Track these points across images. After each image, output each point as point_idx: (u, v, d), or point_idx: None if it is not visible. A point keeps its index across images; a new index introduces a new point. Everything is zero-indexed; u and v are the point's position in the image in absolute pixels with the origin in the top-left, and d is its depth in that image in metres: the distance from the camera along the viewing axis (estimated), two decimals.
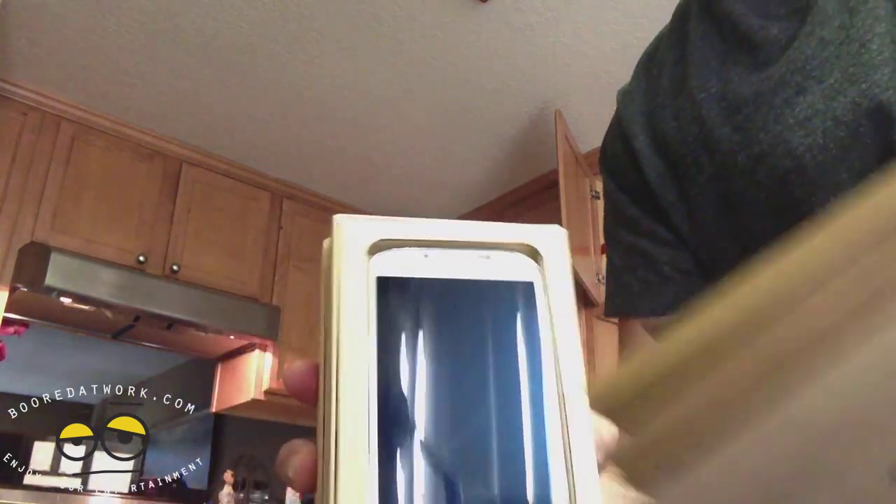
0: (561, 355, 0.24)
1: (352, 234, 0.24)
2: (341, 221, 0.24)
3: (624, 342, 0.59)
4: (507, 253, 0.25)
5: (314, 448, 0.23)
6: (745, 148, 0.48)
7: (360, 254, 0.23)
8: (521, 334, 0.24)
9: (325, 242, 0.25)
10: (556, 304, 0.24)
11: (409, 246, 0.24)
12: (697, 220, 0.52)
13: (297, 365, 0.24)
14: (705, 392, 0.20)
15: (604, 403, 0.23)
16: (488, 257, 0.24)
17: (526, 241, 0.25)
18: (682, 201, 0.53)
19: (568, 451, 0.22)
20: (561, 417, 0.23)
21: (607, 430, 0.24)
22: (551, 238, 0.25)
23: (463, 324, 0.24)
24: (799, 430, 0.17)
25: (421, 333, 0.23)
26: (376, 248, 0.24)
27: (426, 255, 0.24)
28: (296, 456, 0.23)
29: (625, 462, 0.22)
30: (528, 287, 0.24)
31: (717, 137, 0.50)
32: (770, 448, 0.18)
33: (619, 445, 0.23)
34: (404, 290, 0.23)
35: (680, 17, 0.59)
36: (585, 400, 0.23)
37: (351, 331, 0.22)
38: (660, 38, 0.60)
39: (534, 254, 0.25)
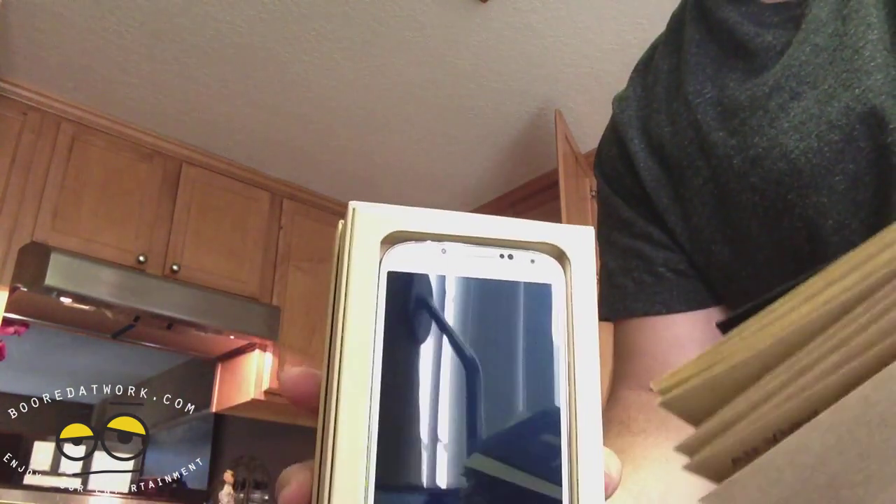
0: (579, 373, 0.22)
1: (367, 223, 0.22)
2: (357, 208, 0.22)
3: (618, 345, 0.59)
4: (532, 253, 0.23)
5: (307, 474, 0.22)
6: (741, 152, 0.48)
7: (374, 245, 0.22)
8: (541, 343, 0.22)
9: (339, 226, 0.23)
10: (578, 314, 0.22)
11: (427, 239, 0.22)
12: (692, 222, 0.53)
13: (293, 370, 0.24)
14: (779, 381, 0.20)
15: (669, 395, 0.22)
16: (511, 256, 0.23)
17: (553, 242, 0.23)
18: (677, 204, 0.54)
19: (576, 476, 0.21)
20: (572, 445, 0.21)
21: (615, 465, 0.23)
22: (579, 240, 0.23)
23: (478, 327, 0.22)
24: (871, 418, 0.18)
25: (431, 336, 0.22)
26: (392, 239, 0.22)
27: (444, 251, 0.22)
28: (286, 487, 0.23)
29: (697, 456, 0.22)
30: (551, 291, 0.23)
31: (713, 141, 0.50)
32: (841, 433, 0.18)
33: (688, 437, 0.22)
34: (417, 288, 0.22)
35: (675, 25, 0.60)
36: (599, 425, 0.22)
37: (356, 331, 0.21)
38: (654, 47, 0.61)
39: (560, 256, 0.23)
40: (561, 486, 0.21)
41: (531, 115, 2.52)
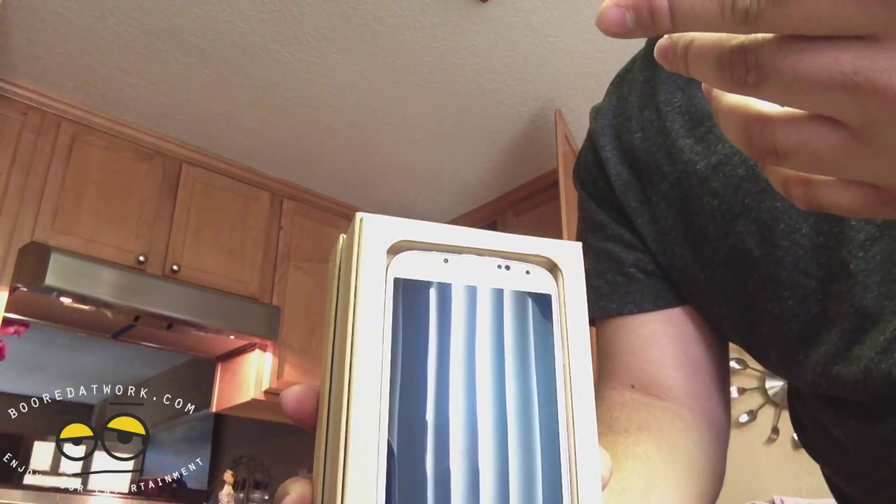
0: (573, 375, 0.24)
1: (374, 232, 0.23)
2: (365, 218, 0.24)
3: (600, 345, 0.61)
4: (527, 264, 0.25)
5: (306, 484, 0.23)
6: (705, 157, 0.51)
7: (381, 253, 0.23)
8: (537, 347, 0.24)
9: (340, 238, 0.25)
10: (571, 320, 0.24)
11: (430, 249, 0.24)
12: (658, 225, 0.55)
13: (294, 389, 0.25)
14: None
15: None
16: (508, 267, 0.24)
17: (546, 255, 0.25)
18: (644, 207, 0.56)
19: (575, 474, 0.23)
20: (570, 444, 0.23)
21: (606, 465, 0.24)
22: (570, 253, 0.25)
23: (479, 332, 0.24)
24: None
25: (435, 339, 0.23)
26: (397, 248, 0.23)
27: (446, 260, 0.24)
28: (286, 497, 0.23)
29: None
30: (546, 299, 0.25)
31: (680, 147, 0.53)
32: None
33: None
34: (422, 293, 0.23)
35: (653, 40, 0.61)
36: (594, 427, 0.23)
37: (367, 332, 0.22)
38: (634, 61, 0.64)
39: (553, 267, 0.25)
40: (561, 484, 0.22)
41: (531, 115, 2.52)
